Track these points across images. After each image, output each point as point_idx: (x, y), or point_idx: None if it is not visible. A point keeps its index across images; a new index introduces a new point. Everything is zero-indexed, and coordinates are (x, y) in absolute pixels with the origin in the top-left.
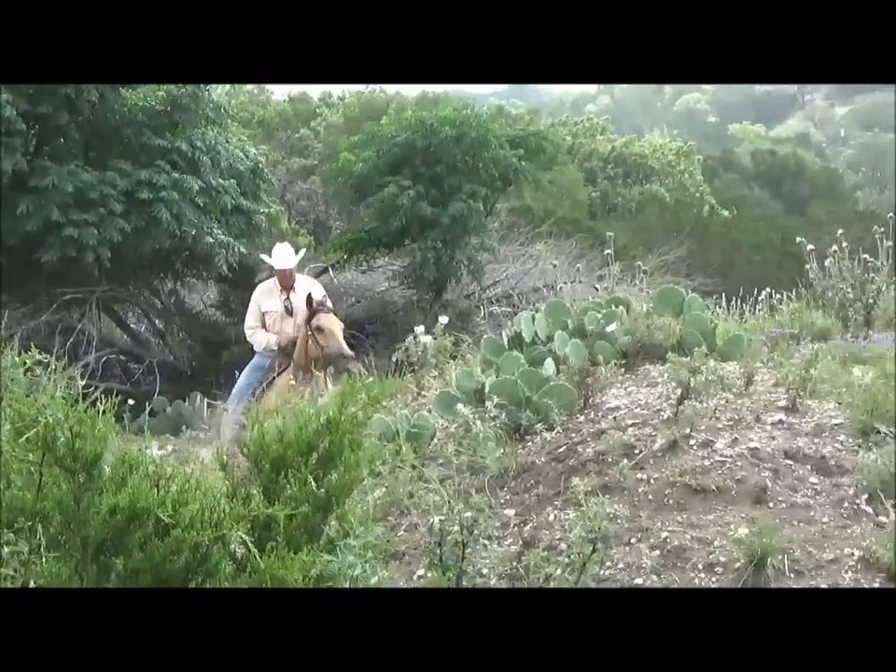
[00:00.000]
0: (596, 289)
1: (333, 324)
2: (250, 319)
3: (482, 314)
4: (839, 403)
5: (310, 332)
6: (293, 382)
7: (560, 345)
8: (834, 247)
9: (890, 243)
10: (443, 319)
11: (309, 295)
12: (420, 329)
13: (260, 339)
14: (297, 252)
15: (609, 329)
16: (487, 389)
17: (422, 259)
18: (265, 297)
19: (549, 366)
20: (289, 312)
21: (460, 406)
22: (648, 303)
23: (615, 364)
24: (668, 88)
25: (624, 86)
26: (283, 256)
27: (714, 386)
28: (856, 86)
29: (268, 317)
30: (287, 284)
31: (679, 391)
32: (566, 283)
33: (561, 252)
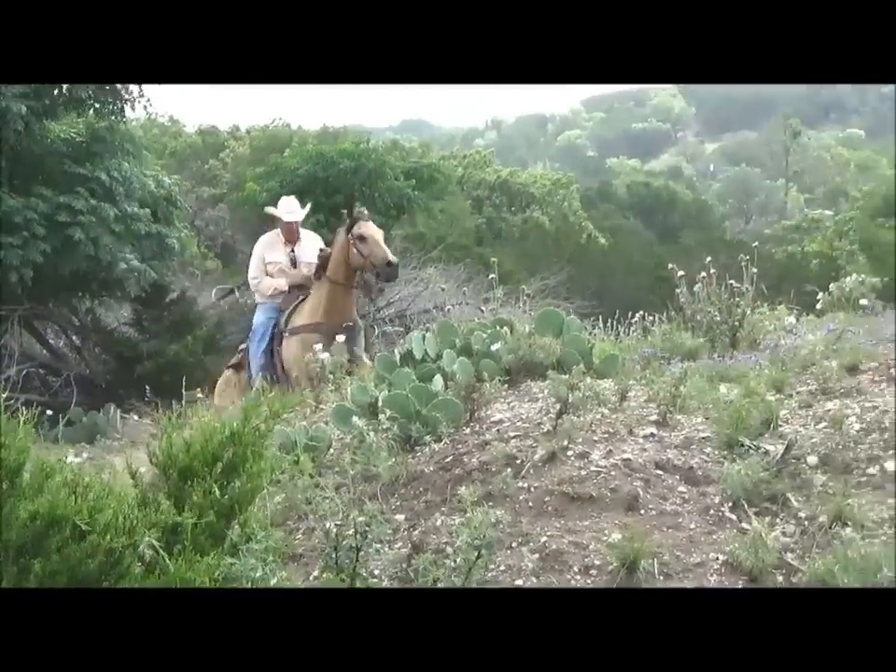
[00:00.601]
0: (482, 311)
1: (375, 231)
2: (254, 270)
3: (376, 333)
4: (706, 418)
5: (351, 241)
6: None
7: (448, 363)
8: (703, 273)
9: (755, 270)
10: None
11: (348, 197)
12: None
13: (269, 284)
14: (303, 206)
15: (494, 347)
16: (380, 403)
17: None
18: (268, 248)
19: (438, 382)
20: (294, 264)
21: (355, 418)
22: (530, 324)
23: (499, 380)
24: (550, 124)
25: (510, 122)
26: (290, 208)
27: (590, 402)
28: (724, 124)
29: (271, 268)
30: (292, 237)
31: (558, 406)
32: (454, 305)
33: (450, 276)
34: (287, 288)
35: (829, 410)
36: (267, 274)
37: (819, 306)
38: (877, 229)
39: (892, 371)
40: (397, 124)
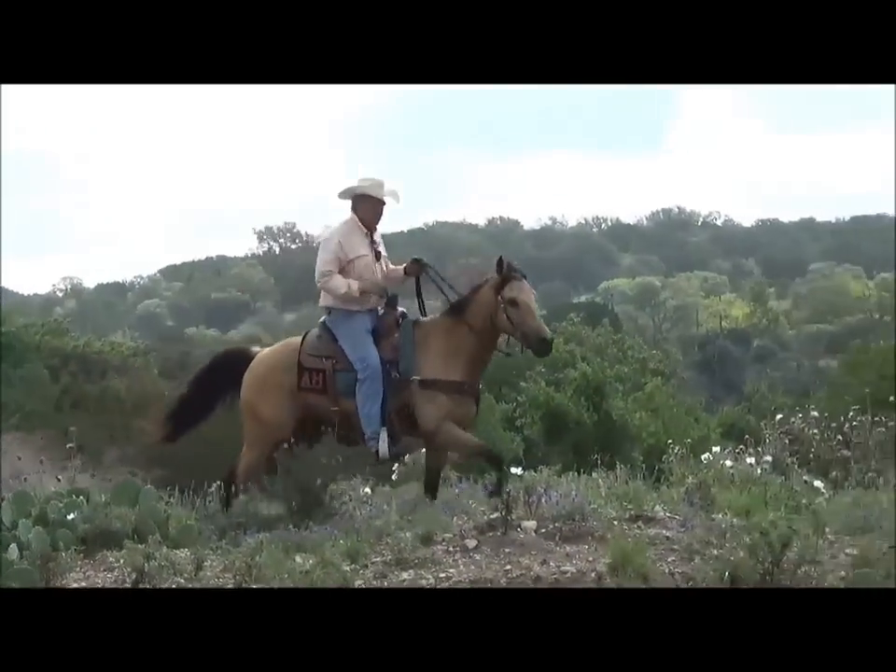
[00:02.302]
0: (59, 480)
1: (529, 297)
2: (328, 263)
3: None
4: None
5: (501, 303)
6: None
7: (24, 532)
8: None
9: None
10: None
11: (500, 258)
12: None
13: (338, 284)
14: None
15: (70, 517)
16: None
17: None
18: (351, 238)
19: (13, 551)
20: (378, 256)
21: None
22: (106, 494)
23: (75, 550)
24: (130, 293)
25: (91, 288)
26: (379, 185)
27: (166, 571)
28: (304, 295)
29: (358, 263)
30: (374, 223)
31: (134, 575)
32: (31, 473)
33: (28, 445)
34: (358, 294)
35: (403, 580)
36: (342, 271)
37: (394, 477)
38: None
39: (466, 542)
40: None
